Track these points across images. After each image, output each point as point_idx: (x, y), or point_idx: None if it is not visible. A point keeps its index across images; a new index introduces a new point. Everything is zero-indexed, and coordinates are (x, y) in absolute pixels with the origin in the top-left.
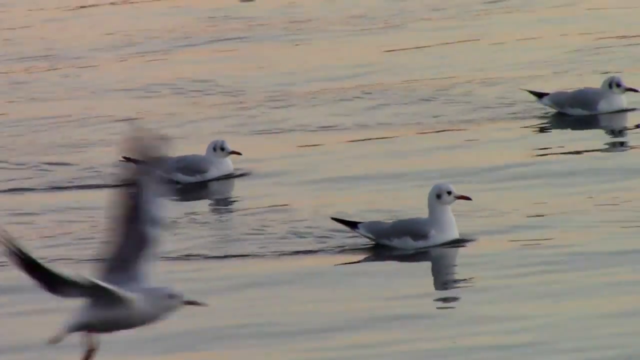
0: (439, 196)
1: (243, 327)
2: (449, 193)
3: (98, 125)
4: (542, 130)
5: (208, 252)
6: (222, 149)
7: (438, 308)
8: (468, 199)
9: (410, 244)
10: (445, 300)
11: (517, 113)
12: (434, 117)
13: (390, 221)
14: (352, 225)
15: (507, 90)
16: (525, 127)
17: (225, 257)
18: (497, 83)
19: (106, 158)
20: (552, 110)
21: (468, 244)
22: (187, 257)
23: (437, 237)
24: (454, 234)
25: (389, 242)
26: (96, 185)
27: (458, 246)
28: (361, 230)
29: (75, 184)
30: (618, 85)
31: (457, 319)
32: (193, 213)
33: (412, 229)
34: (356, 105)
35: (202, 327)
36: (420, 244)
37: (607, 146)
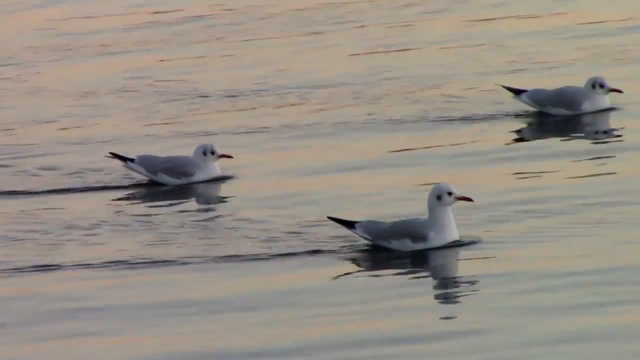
0: (439, 197)
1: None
2: (450, 194)
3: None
4: (524, 130)
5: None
6: (212, 152)
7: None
8: (469, 200)
9: (408, 245)
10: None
11: (498, 113)
12: (408, 119)
13: (389, 221)
14: (349, 224)
15: (483, 89)
16: (507, 127)
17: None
18: (471, 83)
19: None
20: (531, 109)
21: (468, 246)
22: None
23: (437, 239)
24: (454, 236)
25: (386, 244)
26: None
27: (458, 248)
28: (358, 230)
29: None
30: (602, 85)
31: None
32: (179, 216)
33: (411, 231)
34: (338, 107)
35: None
36: (419, 246)
37: (595, 147)
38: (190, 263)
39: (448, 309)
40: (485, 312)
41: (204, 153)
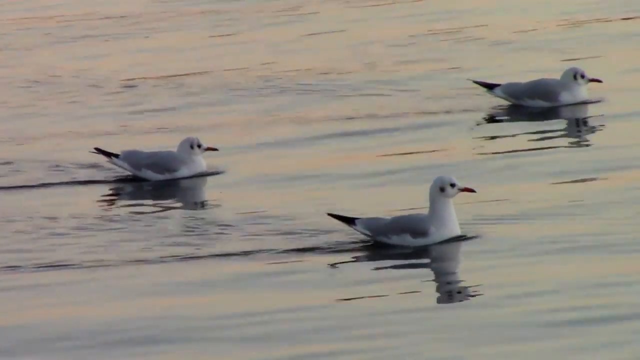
0: (442, 189)
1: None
2: (453, 185)
3: None
4: (497, 122)
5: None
6: (199, 146)
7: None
8: (472, 191)
9: (409, 241)
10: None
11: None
12: (382, 110)
13: (389, 217)
14: (349, 221)
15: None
16: (485, 120)
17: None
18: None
19: None
20: (504, 102)
21: (470, 241)
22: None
23: (438, 234)
24: (456, 231)
25: (387, 240)
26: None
27: (459, 243)
28: (358, 226)
29: None
30: (582, 76)
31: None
32: (164, 213)
33: (412, 226)
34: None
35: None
36: (420, 241)
37: (575, 139)
38: (171, 262)
39: (448, 307)
40: (484, 311)
41: (191, 147)
